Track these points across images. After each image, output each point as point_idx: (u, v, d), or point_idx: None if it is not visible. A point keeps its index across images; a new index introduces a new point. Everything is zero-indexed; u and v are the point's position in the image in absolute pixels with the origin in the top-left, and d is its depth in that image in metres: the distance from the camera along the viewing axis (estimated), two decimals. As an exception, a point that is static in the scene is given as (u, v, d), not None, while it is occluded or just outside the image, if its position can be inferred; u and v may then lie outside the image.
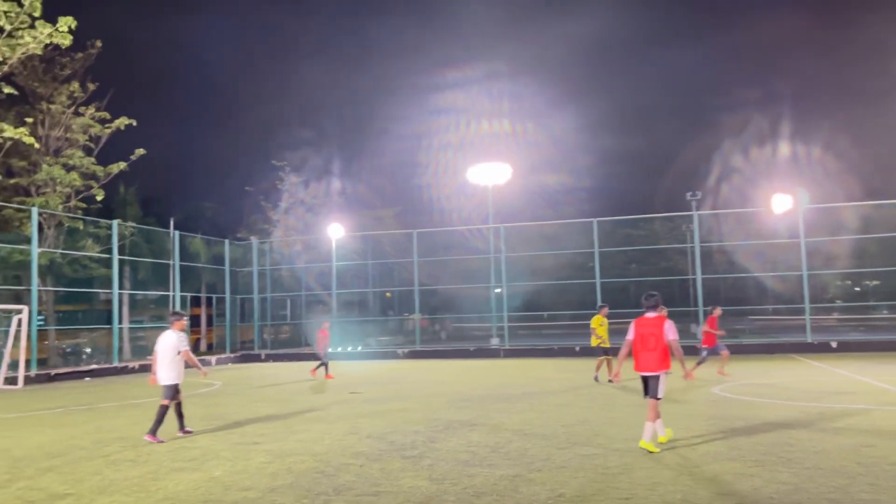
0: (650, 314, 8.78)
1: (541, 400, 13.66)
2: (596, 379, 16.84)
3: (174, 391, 10.42)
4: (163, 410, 10.26)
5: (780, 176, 49.90)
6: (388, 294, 46.59)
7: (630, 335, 8.85)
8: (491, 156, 35.25)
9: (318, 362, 20.88)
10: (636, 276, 44.99)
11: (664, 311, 10.02)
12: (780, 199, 28.69)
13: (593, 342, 17.27)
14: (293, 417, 12.26)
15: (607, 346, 16.95)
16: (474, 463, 7.90)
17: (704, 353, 18.37)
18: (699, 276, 28.05)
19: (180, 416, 10.69)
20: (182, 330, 10.68)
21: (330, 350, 21.43)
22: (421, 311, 32.56)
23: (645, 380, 8.78)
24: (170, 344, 10.41)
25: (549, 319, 41.77)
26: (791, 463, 7.48)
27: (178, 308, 29.56)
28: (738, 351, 24.89)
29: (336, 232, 34.01)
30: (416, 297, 32.13)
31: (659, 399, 8.66)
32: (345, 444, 9.39)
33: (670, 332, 8.59)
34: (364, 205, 47.67)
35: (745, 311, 33.16)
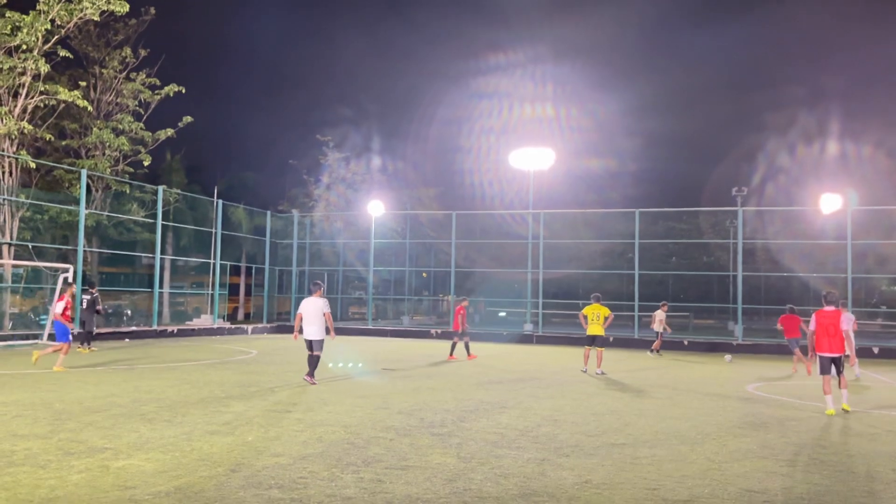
0: (829, 308, 11.01)
1: (572, 387, 13.64)
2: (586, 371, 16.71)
3: (310, 345, 13.04)
4: (316, 359, 13.04)
5: (828, 175, 48.77)
6: (424, 274, 46.78)
7: (812, 326, 11.11)
8: (533, 140, 34.98)
9: (455, 343, 19.70)
10: (675, 269, 44.51)
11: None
12: (829, 198, 28.03)
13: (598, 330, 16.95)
14: (325, 389, 12.42)
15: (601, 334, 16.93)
16: (503, 444, 7.94)
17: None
18: (740, 273, 27.62)
19: (311, 364, 13.11)
20: (322, 297, 13.24)
21: (467, 328, 19.97)
22: (456, 293, 32.61)
23: (833, 360, 10.98)
24: (316, 307, 13.01)
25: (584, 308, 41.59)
26: (823, 465, 7.37)
27: (217, 276, 30.09)
28: (777, 351, 24.51)
29: (376, 209, 34.17)
30: (452, 279, 32.18)
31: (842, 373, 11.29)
32: (375, 417, 9.49)
33: (845, 323, 11.05)
34: (405, 184, 47.85)
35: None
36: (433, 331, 30.77)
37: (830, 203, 27.94)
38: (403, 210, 41.26)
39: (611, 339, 16.42)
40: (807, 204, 36.05)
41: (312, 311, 13.02)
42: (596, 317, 16.92)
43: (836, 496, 6.20)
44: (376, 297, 35.32)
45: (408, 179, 48.39)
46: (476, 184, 52.50)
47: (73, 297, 16.08)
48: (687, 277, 43.68)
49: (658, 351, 23.50)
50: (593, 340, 16.96)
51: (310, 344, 13.10)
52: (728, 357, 21.18)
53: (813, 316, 11.22)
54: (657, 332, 23.49)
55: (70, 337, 14.82)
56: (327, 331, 13.16)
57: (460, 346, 19.63)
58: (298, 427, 8.67)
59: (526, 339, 28.55)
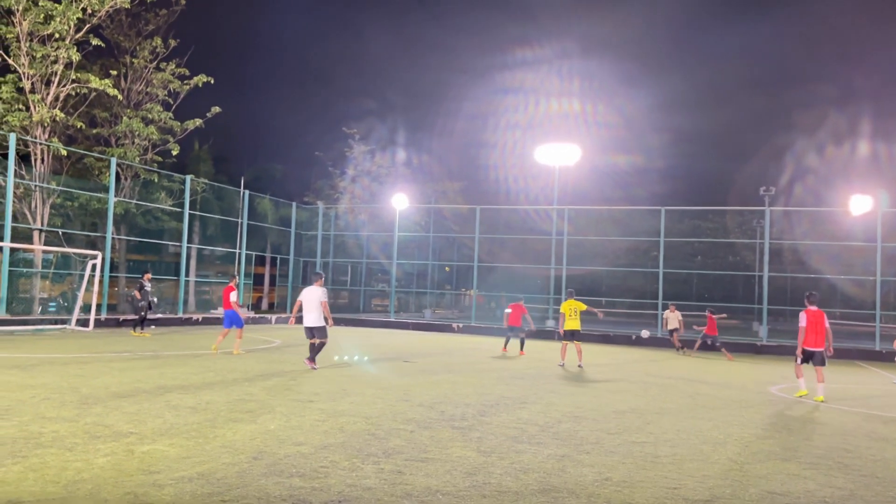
0: (813, 308, 12.55)
1: (593, 385, 13.60)
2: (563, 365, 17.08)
3: (311, 332, 13.73)
4: (321, 346, 13.74)
5: (858, 175, 48.01)
6: (447, 268, 46.81)
7: (803, 322, 12.52)
8: (559, 136, 34.85)
9: (509, 338, 20.48)
10: (700, 268, 44.11)
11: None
12: (859, 200, 27.59)
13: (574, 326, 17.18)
14: (347, 380, 12.49)
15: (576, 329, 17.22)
16: (523, 440, 7.94)
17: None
18: (766, 274, 27.32)
19: (312, 350, 13.85)
20: (322, 287, 13.85)
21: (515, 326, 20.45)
22: (478, 288, 32.61)
23: (813, 354, 12.55)
24: (315, 295, 13.64)
25: (608, 305, 41.32)
26: (847, 469, 7.28)
27: (242, 266, 30.36)
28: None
29: (400, 202, 34.24)
30: (475, 273, 32.18)
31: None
32: (396, 409, 9.53)
33: (827, 321, 12.59)
34: (429, 178, 47.87)
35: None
36: (455, 325, 30.80)
37: (860, 204, 27.51)
38: (427, 203, 41.29)
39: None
40: (836, 205, 35.53)
41: (311, 300, 13.69)
42: (574, 312, 17.22)
43: (860, 501, 6.13)
44: (399, 290, 35.42)
45: (432, 173, 48.44)
46: (500, 179, 52.44)
47: (238, 286, 17.00)
48: (712, 277, 43.27)
49: (683, 349, 23.53)
50: (573, 335, 17.22)
51: (310, 331, 13.84)
52: (645, 333, 20.59)
53: (803, 314, 12.64)
54: (671, 331, 23.76)
55: (243, 322, 16.48)
56: (326, 319, 13.84)
57: (514, 341, 20.54)
58: (320, 417, 8.73)
59: (548, 335, 28.47)
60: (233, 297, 16.40)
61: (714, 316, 23.20)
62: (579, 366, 16.79)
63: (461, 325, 30.87)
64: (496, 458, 6.96)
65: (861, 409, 12.02)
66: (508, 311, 20.87)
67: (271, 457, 6.60)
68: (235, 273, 22.65)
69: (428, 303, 39.91)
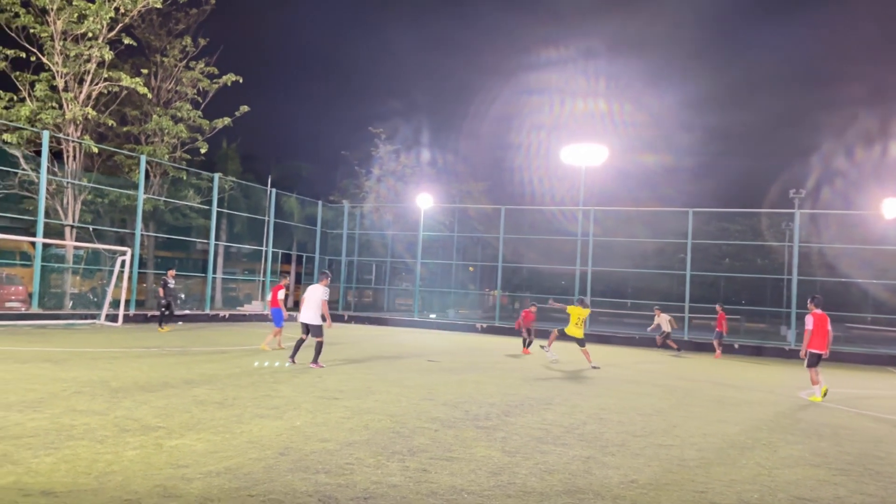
0: (819, 311, 12.83)
1: (618, 387, 13.52)
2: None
3: (306, 329, 13.80)
4: (319, 345, 13.68)
5: (891, 178, 47.18)
6: (471, 268, 46.78)
7: (810, 325, 12.74)
8: (586, 136, 34.65)
9: (525, 339, 21.15)
10: (728, 271, 43.65)
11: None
12: (892, 203, 27.13)
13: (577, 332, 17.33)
14: (372, 378, 12.54)
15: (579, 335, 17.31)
16: (548, 440, 7.91)
17: None
18: (795, 277, 26.96)
19: (296, 347, 14.02)
20: (326, 286, 13.96)
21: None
22: (502, 288, 32.55)
23: (819, 356, 12.82)
24: (317, 293, 13.73)
25: (633, 308, 41.04)
26: (879, 476, 7.17)
27: (269, 263, 30.61)
28: (832, 358, 23.94)
29: (424, 202, 34.29)
30: (499, 273, 32.14)
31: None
32: (421, 408, 9.55)
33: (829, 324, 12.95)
34: (454, 177, 47.85)
35: (843, 318, 31.72)
36: (479, 325, 30.79)
37: (893, 208, 27.05)
38: (452, 203, 41.30)
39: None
40: (867, 208, 34.96)
41: (312, 297, 13.77)
42: (581, 321, 17.28)
43: (892, 508, 6.03)
44: (423, 290, 35.46)
45: (457, 173, 48.40)
46: (526, 179, 52.27)
47: (288, 287, 17.48)
48: (739, 280, 42.75)
49: (678, 349, 24.07)
50: (579, 342, 17.34)
51: (305, 328, 13.86)
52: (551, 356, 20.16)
53: (810, 318, 12.87)
54: (665, 332, 24.11)
55: (283, 323, 16.95)
56: (324, 318, 13.74)
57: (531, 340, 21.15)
58: (345, 414, 8.77)
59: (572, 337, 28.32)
60: (281, 294, 16.94)
61: (723, 312, 23.36)
62: (594, 367, 16.83)
63: (485, 325, 30.85)
64: (521, 459, 6.95)
65: (893, 415, 11.83)
66: (526, 314, 21.52)
67: (297, 453, 6.65)
68: (287, 273, 23.06)
69: (451, 302, 39.92)
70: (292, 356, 13.91)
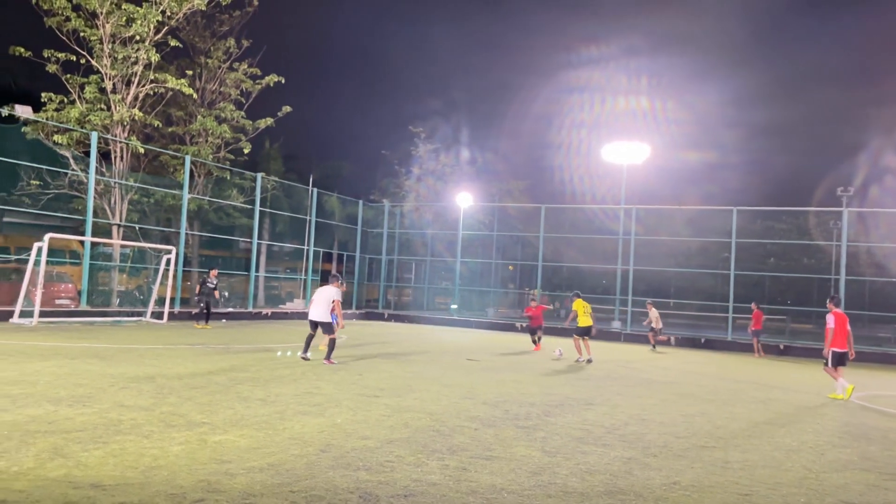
0: (839, 310, 13.13)
1: (660, 387, 13.36)
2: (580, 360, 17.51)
3: (314, 326, 14.07)
4: (332, 342, 13.98)
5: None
6: (510, 267, 46.64)
7: (832, 324, 12.92)
8: (627, 134, 34.31)
9: (534, 335, 21.06)
10: (773, 270, 42.81)
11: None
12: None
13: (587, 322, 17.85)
14: (412, 376, 12.59)
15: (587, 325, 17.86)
16: (589, 441, 7.86)
17: None
18: (843, 277, 26.32)
19: (307, 343, 14.15)
20: (337, 288, 14.45)
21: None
22: (543, 287, 32.39)
23: (842, 355, 13.00)
24: (327, 294, 14.12)
25: (676, 308, 40.48)
26: (932, 482, 6.96)
27: (310, 262, 30.93)
28: (882, 360, 23.37)
29: (464, 201, 34.30)
30: (539, 273, 31.99)
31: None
32: (460, 407, 9.55)
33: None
34: (494, 176, 47.79)
35: (892, 320, 30.85)
36: (518, 324, 30.68)
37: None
38: (492, 202, 41.23)
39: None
40: (919, 206, 34.01)
41: (322, 296, 14.17)
42: (587, 311, 17.93)
43: (946, 515, 5.86)
44: (462, 288, 35.46)
45: (497, 172, 48.32)
46: (566, 178, 51.92)
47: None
48: (785, 279, 41.89)
49: (655, 346, 24.06)
50: (587, 332, 17.87)
51: (313, 325, 14.12)
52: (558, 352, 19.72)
53: (832, 317, 13.05)
54: (653, 329, 24.06)
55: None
56: (335, 318, 14.29)
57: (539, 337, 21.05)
58: (385, 412, 8.82)
59: (613, 337, 28.12)
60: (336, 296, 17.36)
61: (759, 311, 23.02)
62: (589, 360, 17.36)
63: (524, 324, 30.72)
64: (561, 459, 6.91)
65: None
66: (529, 310, 21.59)
67: (338, 450, 6.71)
68: (338, 274, 23.51)
69: (491, 301, 39.84)
70: (304, 352, 14.11)
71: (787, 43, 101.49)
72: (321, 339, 17.25)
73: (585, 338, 17.81)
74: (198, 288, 21.39)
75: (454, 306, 34.61)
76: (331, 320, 14.06)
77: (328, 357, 13.86)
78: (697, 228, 35.98)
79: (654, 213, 35.56)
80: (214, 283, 21.28)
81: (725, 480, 6.50)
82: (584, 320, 17.79)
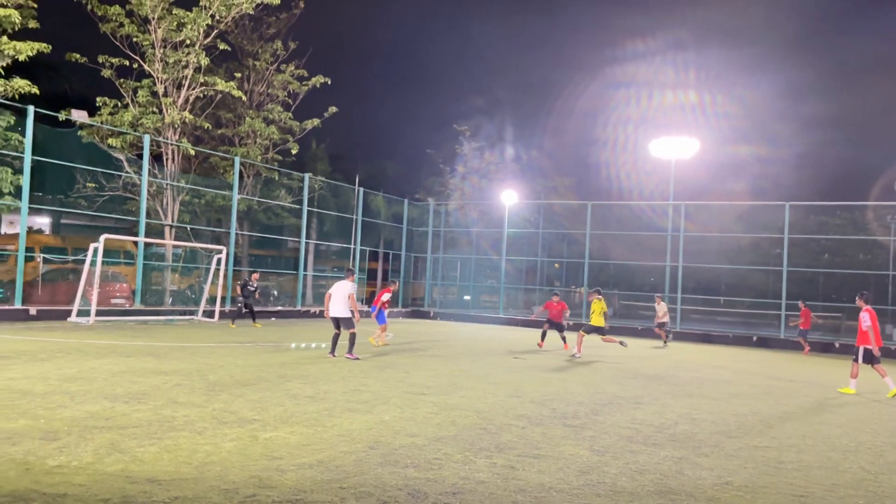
0: (869, 306, 12.99)
1: (711, 387, 13.13)
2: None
3: (337, 323, 14.23)
4: (352, 336, 14.11)
5: None
6: (556, 265, 46.34)
7: (871, 321, 12.80)
8: (675, 129, 33.78)
9: (543, 331, 19.84)
10: (828, 267, 41.72)
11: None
12: None
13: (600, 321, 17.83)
14: (458, 374, 12.60)
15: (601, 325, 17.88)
16: (638, 440, 7.77)
17: None
18: (902, 273, 25.49)
19: (334, 341, 14.35)
20: (352, 282, 14.58)
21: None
22: (589, 285, 32.11)
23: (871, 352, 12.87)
24: (344, 289, 14.22)
25: (727, 305, 39.71)
26: None
27: (356, 261, 31.21)
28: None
29: (509, 198, 34.20)
30: (586, 270, 31.72)
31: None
32: (507, 405, 9.54)
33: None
34: (539, 173, 47.54)
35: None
36: (565, 322, 30.44)
37: None
38: (537, 200, 41.03)
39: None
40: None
41: (339, 292, 14.26)
42: (603, 311, 17.94)
43: None
44: (508, 286, 35.35)
45: (542, 169, 48.04)
46: (612, 174, 51.34)
47: (396, 292, 18.30)
48: (840, 276, 40.77)
49: (666, 342, 23.68)
50: (600, 331, 17.95)
51: (336, 321, 14.29)
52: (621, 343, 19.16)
53: (866, 313, 12.95)
54: (661, 324, 23.69)
55: (386, 320, 17.97)
56: (352, 312, 14.40)
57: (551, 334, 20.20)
58: (432, 410, 8.85)
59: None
60: (386, 297, 17.95)
61: (807, 309, 22.55)
62: (575, 355, 17.37)
63: (571, 322, 30.46)
64: (610, 458, 6.84)
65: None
66: (544, 306, 20.49)
67: (386, 447, 6.76)
68: (394, 280, 24.22)
69: (537, 299, 39.63)
70: (332, 350, 14.30)
71: (839, 33, 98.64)
72: (372, 335, 17.46)
73: (583, 333, 17.82)
74: (238, 289, 21.76)
75: (536, 306, 34.50)
76: (350, 315, 14.27)
77: (350, 351, 14.04)
78: (749, 224, 35.27)
79: (703, 209, 34.93)
80: (255, 286, 21.59)
81: (779, 481, 6.37)
82: (598, 319, 17.79)
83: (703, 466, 6.73)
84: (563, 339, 19.54)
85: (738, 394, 12.26)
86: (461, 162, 41.18)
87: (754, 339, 26.46)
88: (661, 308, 23.90)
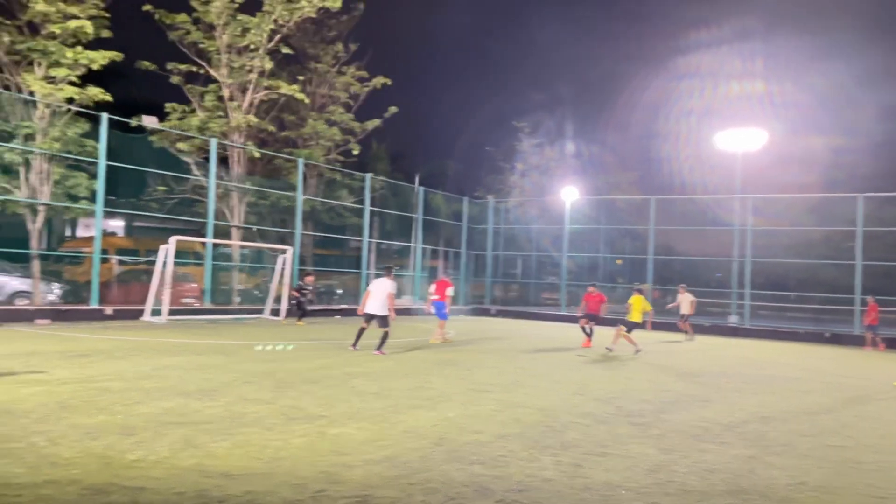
0: None
1: (782, 384, 12.78)
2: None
3: (369, 318, 14.39)
4: (384, 335, 14.29)
5: None
6: (618, 261, 45.71)
7: None
8: (742, 120, 32.86)
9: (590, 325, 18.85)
10: (905, 260, 40.04)
11: None
12: None
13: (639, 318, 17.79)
14: (520, 372, 12.58)
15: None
16: (707, 439, 7.62)
17: None
18: None
19: (358, 336, 14.63)
20: (391, 280, 14.59)
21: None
22: (653, 282, 31.60)
23: None
24: (383, 287, 14.36)
25: (797, 301, 38.51)
26: None
27: (418, 259, 31.41)
28: None
29: (570, 195, 33.90)
30: (650, 267, 31.22)
31: None
32: (571, 403, 9.47)
33: None
34: (600, 169, 46.95)
35: None
36: (628, 318, 30.00)
37: None
38: (598, 195, 40.54)
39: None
40: None
41: (379, 290, 14.42)
42: (644, 308, 17.86)
43: None
44: (569, 284, 35.03)
45: (604, 164, 47.41)
46: (676, 169, 50.27)
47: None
48: (919, 270, 39.13)
49: (692, 335, 23.15)
50: (640, 326, 18.05)
51: (369, 317, 14.46)
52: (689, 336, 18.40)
53: None
54: (683, 314, 23.17)
55: (447, 316, 18.15)
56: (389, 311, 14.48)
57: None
58: (496, 407, 8.86)
59: (731, 332, 27.12)
60: (450, 291, 17.97)
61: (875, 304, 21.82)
62: (609, 349, 17.27)
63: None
64: (678, 457, 6.74)
65: None
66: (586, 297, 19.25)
67: (452, 443, 6.79)
68: (448, 272, 24.13)
69: (600, 296, 39.17)
70: (354, 344, 14.54)
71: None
72: (432, 333, 17.56)
73: (625, 328, 17.76)
74: (294, 292, 22.22)
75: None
76: (386, 313, 14.36)
77: (379, 348, 14.21)
78: (820, 217, 34.08)
79: (771, 202, 33.97)
80: (311, 287, 21.95)
81: (858, 482, 6.17)
82: (637, 315, 17.76)
83: (776, 466, 6.57)
84: (591, 333, 18.45)
85: (809, 391, 11.90)
86: (520, 159, 41.01)
87: (827, 335, 25.62)
88: (686, 298, 23.22)
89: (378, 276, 15.54)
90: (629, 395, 10.36)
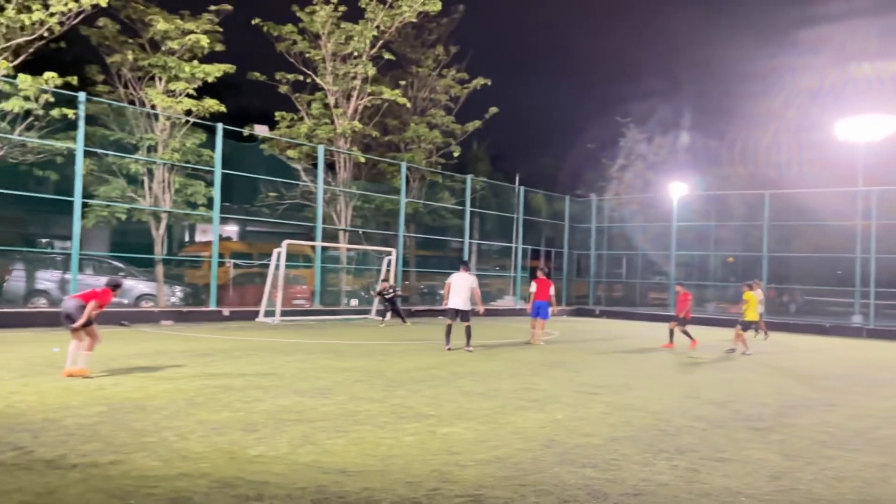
0: None
1: (914, 388, 11.98)
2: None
3: (456, 314, 14.74)
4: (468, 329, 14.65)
5: None
6: (729, 259, 44.03)
7: None
8: (866, 107, 30.89)
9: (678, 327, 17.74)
10: None
11: None
12: None
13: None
14: (629, 374, 12.32)
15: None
16: (833, 445, 7.23)
17: None
18: None
19: (448, 333, 14.85)
20: (470, 274, 15.16)
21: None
22: (768, 280, 30.27)
23: None
24: (466, 281, 14.85)
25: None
26: None
27: (519, 259, 31.34)
28: None
29: (678, 190, 32.94)
30: (765, 265, 29.95)
31: None
32: (684, 406, 9.20)
33: None
34: (710, 162, 45.31)
35: None
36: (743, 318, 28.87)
37: None
38: (708, 191, 39.18)
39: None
40: None
41: (462, 285, 14.77)
42: (760, 303, 17.67)
43: None
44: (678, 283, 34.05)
45: (716, 158, 45.71)
46: (794, 159, 47.76)
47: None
48: None
49: (766, 335, 21.38)
50: (756, 325, 17.73)
51: (455, 313, 14.74)
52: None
53: None
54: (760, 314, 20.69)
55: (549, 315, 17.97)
56: (474, 303, 14.96)
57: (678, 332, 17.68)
58: (606, 409, 8.71)
59: (854, 333, 25.66)
60: (552, 290, 17.72)
61: None
62: (732, 350, 16.71)
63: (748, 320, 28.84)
64: (803, 463, 6.42)
65: None
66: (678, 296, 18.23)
67: (562, 446, 6.73)
68: (542, 268, 23.43)
69: (710, 296, 37.84)
70: (447, 343, 14.70)
71: None
72: (532, 333, 17.38)
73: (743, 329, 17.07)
74: (380, 296, 22.63)
75: (709, 304, 33.18)
76: (470, 308, 14.69)
77: (468, 344, 14.39)
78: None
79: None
80: (390, 292, 22.10)
81: None
82: (752, 314, 17.15)
83: (912, 476, 6.16)
84: (672, 333, 17.38)
85: (947, 397, 11.10)
86: (623, 155, 40.19)
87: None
88: (756, 296, 20.70)
89: (459, 269, 15.63)
90: (746, 399, 9.96)
